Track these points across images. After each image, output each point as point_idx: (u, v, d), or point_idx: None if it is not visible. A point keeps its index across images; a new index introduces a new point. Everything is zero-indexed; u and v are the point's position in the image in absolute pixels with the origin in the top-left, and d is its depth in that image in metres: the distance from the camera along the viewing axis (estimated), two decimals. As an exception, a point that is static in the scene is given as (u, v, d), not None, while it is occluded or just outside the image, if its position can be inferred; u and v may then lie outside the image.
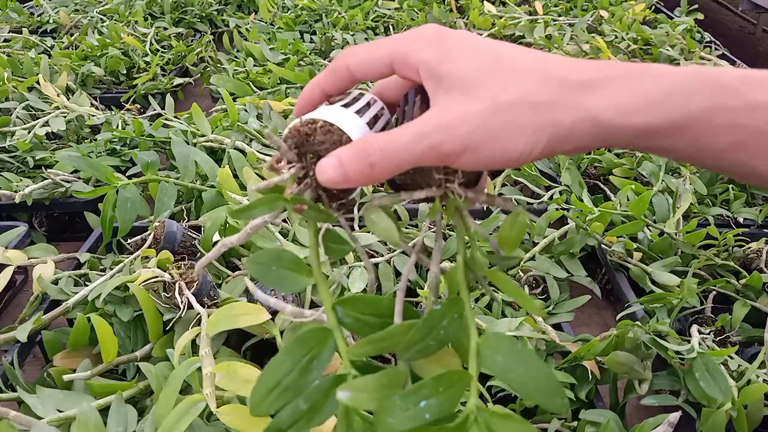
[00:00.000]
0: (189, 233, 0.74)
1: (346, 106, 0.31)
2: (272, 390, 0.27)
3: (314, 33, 1.51)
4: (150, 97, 1.17)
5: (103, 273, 0.72)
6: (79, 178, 0.91)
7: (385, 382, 0.26)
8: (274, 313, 0.60)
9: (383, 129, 0.32)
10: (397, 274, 0.73)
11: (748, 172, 0.28)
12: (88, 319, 0.60)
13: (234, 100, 1.02)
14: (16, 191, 0.84)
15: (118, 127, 1.04)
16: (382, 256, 0.74)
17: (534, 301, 0.29)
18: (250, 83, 1.16)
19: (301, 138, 0.29)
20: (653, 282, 0.74)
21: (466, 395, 0.26)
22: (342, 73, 0.31)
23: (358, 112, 0.30)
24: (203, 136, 0.94)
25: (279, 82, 1.17)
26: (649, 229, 0.81)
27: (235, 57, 1.40)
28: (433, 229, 0.32)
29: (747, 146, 0.27)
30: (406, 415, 0.25)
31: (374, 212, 0.29)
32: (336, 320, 0.28)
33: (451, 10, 1.62)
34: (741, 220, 0.87)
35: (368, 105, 0.32)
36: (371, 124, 0.31)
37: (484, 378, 0.60)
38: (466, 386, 0.26)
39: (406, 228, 0.79)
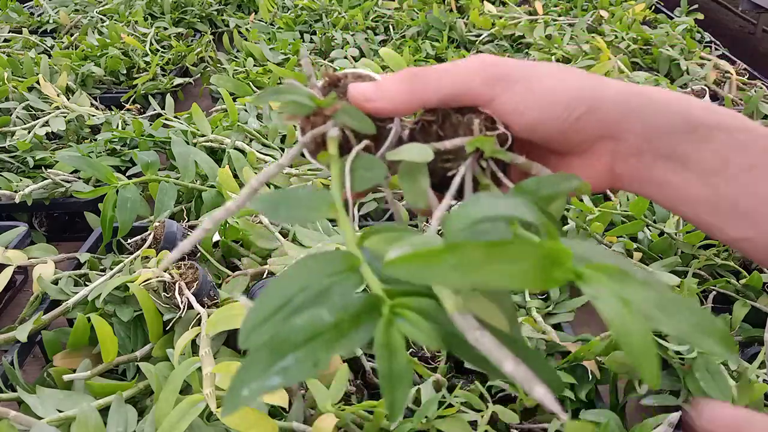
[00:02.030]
0: (189, 233, 0.74)
1: None
2: (279, 309, 0.20)
3: (314, 33, 1.51)
4: (150, 97, 1.17)
5: (103, 273, 0.72)
6: (79, 178, 0.91)
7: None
8: None
9: None
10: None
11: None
12: (88, 319, 0.60)
13: (234, 100, 1.02)
14: (16, 191, 0.84)
15: (118, 127, 1.04)
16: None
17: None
18: (250, 83, 1.16)
19: (332, 80, 0.27)
20: (653, 282, 0.74)
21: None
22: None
23: None
24: (203, 136, 0.94)
25: (279, 82, 1.17)
26: (649, 229, 0.81)
27: (235, 57, 1.40)
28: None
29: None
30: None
31: (405, 148, 0.26)
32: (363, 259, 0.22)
33: (451, 10, 1.62)
34: (741, 220, 0.87)
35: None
36: None
37: (483, 378, 0.60)
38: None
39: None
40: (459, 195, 0.26)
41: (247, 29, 1.55)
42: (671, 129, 0.26)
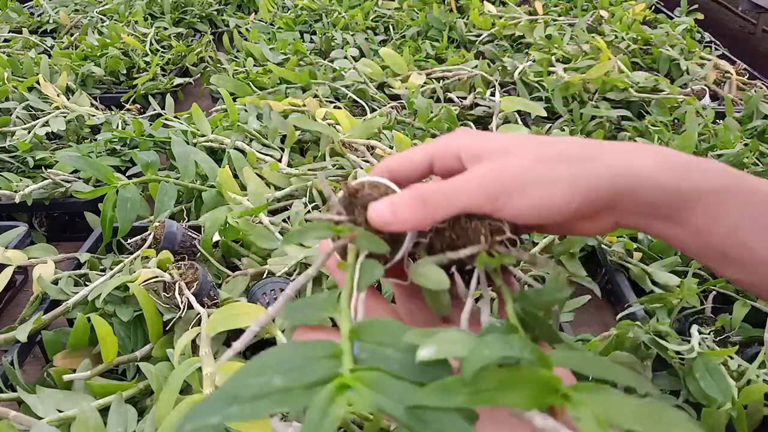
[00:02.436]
0: (189, 233, 0.74)
1: None
2: (255, 376, 0.23)
3: (314, 33, 1.51)
4: (150, 97, 1.17)
5: (103, 273, 0.72)
6: (79, 178, 0.91)
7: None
8: None
9: None
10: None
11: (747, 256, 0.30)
12: (88, 319, 0.60)
13: (234, 100, 1.02)
14: (16, 191, 0.84)
15: (118, 127, 1.04)
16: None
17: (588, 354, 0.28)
18: (250, 83, 1.16)
19: (350, 192, 0.30)
20: (653, 282, 0.74)
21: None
22: (382, 172, 0.32)
23: None
24: (203, 136, 0.94)
25: (279, 82, 1.17)
26: (649, 229, 0.81)
27: (235, 57, 1.40)
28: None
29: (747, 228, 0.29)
30: (500, 346, 0.24)
31: (424, 266, 0.29)
32: (350, 348, 0.25)
33: (451, 10, 1.62)
34: (741, 220, 0.86)
35: None
36: None
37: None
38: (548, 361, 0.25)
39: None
40: (473, 281, 0.31)
41: (247, 29, 1.55)
42: (662, 203, 0.29)
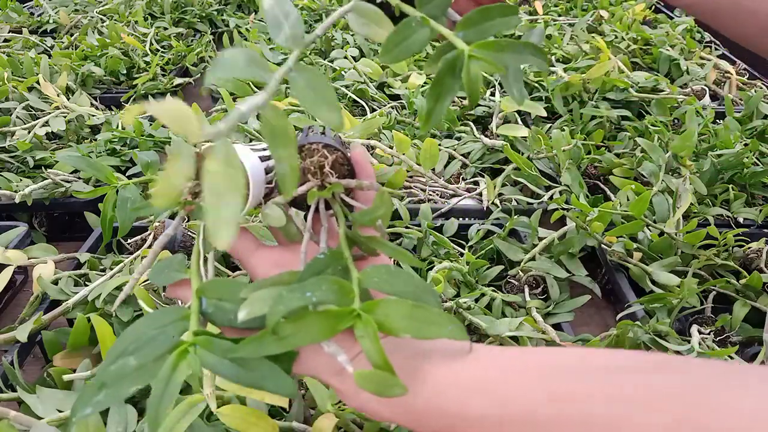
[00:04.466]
0: (189, 233, 0.74)
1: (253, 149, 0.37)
2: (115, 358, 0.28)
3: (314, 33, 1.51)
4: (150, 97, 1.17)
5: (103, 273, 0.72)
6: (79, 178, 0.91)
7: (277, 284, 0.30)
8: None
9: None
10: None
11: None
12: (88, 319, 0.60)
13: (234, 100, 1.02)
14: (16, 191, 0.84)
15: (118, 127, 1.04)
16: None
17: (407, 253, 0.34)
18: (250, 83, 1.16)
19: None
20: (653, 282, 0.74)
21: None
22: None
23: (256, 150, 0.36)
24: (203, 136, 0.94)
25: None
26: (649, 229, 0.81)
27: (235, 57, 1.39)
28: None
29: None
30: (295, 297, 0.28)
31: (267, 207, 0.34)
32: (198, 305, 0.32)
33: (451, 10, 1.62)
34: (741, 220, 0.86)
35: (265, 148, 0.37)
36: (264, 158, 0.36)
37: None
38: (350, 292, 0.30)
39: (407, 228, 0.79)
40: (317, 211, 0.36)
41: (247, 29, 1.55)
42: None
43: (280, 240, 0.37)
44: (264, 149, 0.36)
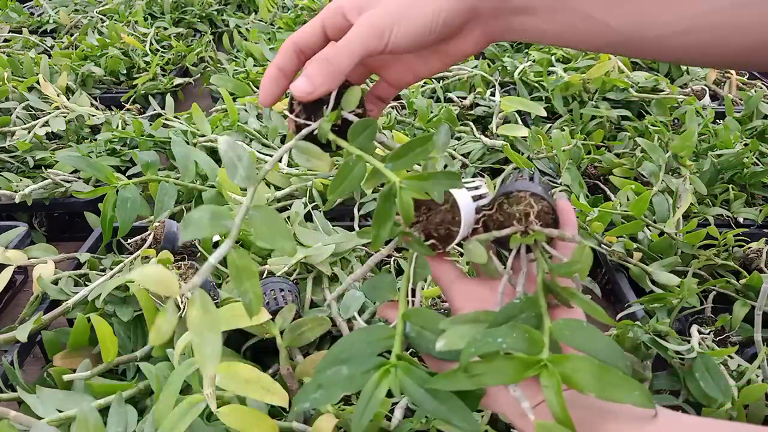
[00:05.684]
0: (189, 233, 0.74)
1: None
2: (331, 363, 0.33)
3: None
4: (150, 97, 1.17)
5: (103, 273, 0.72)
6: (79, 178, 0.91)
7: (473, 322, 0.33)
8: (274, 312, 0.60)
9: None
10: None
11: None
12: (88, 319, 0.60)
13: (234, 100, 1.02)
14: (16, 191, 0.84)
15: (118, 127, 1.04)
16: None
17: (600, 309, 0.34)
18: (250, 83, 1.16)
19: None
20: (653, 282, 0.74)
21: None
22: (288, 47, 0.38)
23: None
24: (203, 136, 0.94)
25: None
26: (649, 229, 0.81)
27: (235, 57, 1.39)
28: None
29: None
30: (487, 342, 0.30)
31: (471, 243, 0.37)
32: (402, 328, 0.35)
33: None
34: (741, 220, 0.86)
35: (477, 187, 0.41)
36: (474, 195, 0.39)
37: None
38: (539, 342, 0.32)
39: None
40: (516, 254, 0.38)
41: (247, 29, 1.55)
42: None
43: (479, 272, 0.39)
44: (476, 187, 0.40)
